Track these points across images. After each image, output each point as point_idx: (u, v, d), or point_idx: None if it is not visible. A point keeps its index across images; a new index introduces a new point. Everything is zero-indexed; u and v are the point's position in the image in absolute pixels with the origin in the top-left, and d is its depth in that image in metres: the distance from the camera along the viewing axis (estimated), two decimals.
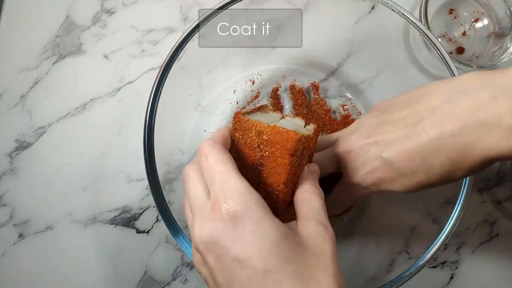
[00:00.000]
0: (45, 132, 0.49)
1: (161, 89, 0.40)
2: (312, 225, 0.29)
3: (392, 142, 0.32)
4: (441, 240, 0.38)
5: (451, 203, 0.40)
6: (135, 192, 0.49)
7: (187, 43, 0.40)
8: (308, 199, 0.31)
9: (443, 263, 0.49)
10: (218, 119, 0.49)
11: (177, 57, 0.40)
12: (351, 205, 0.45)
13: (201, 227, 0.27)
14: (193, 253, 0.31)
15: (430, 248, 0.39)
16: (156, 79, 0.40)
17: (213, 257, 0.26)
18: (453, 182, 0.32)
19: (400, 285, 0.38)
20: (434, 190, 0.45)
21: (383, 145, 0.33)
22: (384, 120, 0.34)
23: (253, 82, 0.49)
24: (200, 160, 0.30)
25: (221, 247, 0.26)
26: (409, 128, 0.31)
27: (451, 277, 0.49)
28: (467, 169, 0.30)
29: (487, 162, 0.29)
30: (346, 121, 0.49)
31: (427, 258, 0.38)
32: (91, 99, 0.50)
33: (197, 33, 0.41)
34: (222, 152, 0.29)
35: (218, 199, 0.27)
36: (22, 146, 0.49)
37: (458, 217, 0.39)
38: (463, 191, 0.39)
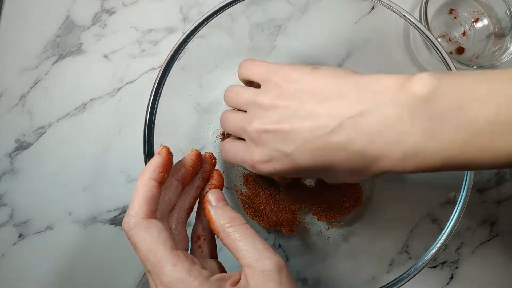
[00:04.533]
0: (45, 132, 0.49)
1: (161, 89, 0.40)
2: (257, 276, 0.28)
3: (298, 139, 0.31)
4: (441, 240, 0.38)
5: (451, 203, 0.40)
6: None
7: (187, 43, 0.40)
8: (235, 244, 0.29)
9: (443, 263, 0.49)
10: (218, 119, 0.48)
11: (177, 57, 0.40)
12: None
13: None
14: None
15: (430, 248, 0.39)
16: (156, 79, 0.40)
17: None
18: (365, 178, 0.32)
19: (400, 286, 0.38)
20: (434, 190, 0.45)
21: (288, 139, 0.31)
22: (280, 115, 0.32)
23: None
24: (130, 240, 0.28)
25: None
26: (316, 128, 0.30)
27: (451, 277, 0.49)
28: (369, 178, 0.31)
29: (390, 173, 0.30)
30: None
31: (427, 258, 0.38)
32: (91, 99, 0.50)
33: (197, 33, 0.41)
34: (148, 234, 0.28)
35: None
36: (22, 146, 0.49)
37: (458, 218, 0.39)
38: (463, 192, 0.39)
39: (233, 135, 0.39)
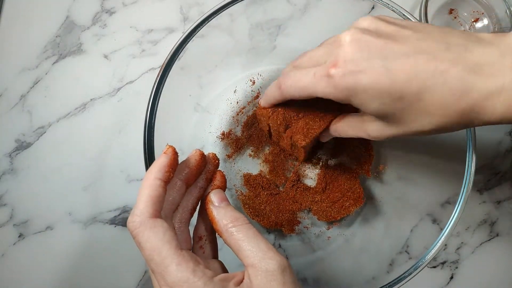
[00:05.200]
0: (45, 132, 0.49)
1: (161, 89, 0.40)
2: (260, 276, 0.28)
3: (400, 55, 0.28)
4: (441, 240, 0.38)
5: (451, 203, 0.40)
6: (135, 192, 0.48)
7: (187, 43, 0.40)
8: (238, 244, 0.29)
9: (443, 263, 0.49)
10: (218, 119, 0.49)
11: (177, 57, 0.40)
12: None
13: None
14: None
15: (430, 248, 0.39)
16: (156, 79, 0.40)
17: None
18: (422, 132, 0.30)
19: (400, 286, 0.38)
20: (434, 190, 0.45)
21: (390, 52, 0.28)
22: (395, 31, 0.30)
23: (254, 83, 0.49)
24: (135, 239, 0.28)
25: None
26: (421, 51, 0.28)
27: (451, 277, 0.49)
28: (448, 118, 0.29)
29: (471, 119, 0.28)
30: None
31: (427, 258, 0.38)
32: (91, 99, 0.50)
33: (197, 33, 0.41)
34: (153, 234, 0.28)
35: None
36: (22, 146, 0.49)
37: (458, 218, 0.38)
38: (463, 192, 0.39)
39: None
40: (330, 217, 0.46)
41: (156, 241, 0.27)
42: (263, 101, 0.38)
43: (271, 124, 0.39)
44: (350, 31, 0.30)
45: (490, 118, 0.27)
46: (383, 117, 0.30)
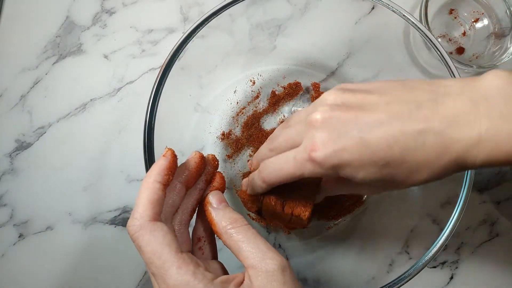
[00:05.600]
0: (45, 132, 0.49)
1: (162, 90, 0.40)
2: (261, 276, 0.28)
3: (375, 124, 0.29)
4: (441, 240, 0.38)
5: (451, 203, 0.40)
6: (135, 192, 0.48)
7: (187, 43, 0.40)
8: (238, 246, 0.29)
9: (443, 263, 0.49)
10: (219, 119, 0.49)
11: (177, 57, 0.40)
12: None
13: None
14: None
15: (431, 248, 0.39)
16: (156, 80, 0.40)
17: None
18: (413, 185, 0.31)
19: (400, 286, 0.38)
20: (434, 190, 0.45)
21: (363, 124, 0.29)
22: (362, 99, 0.30)
23: (254, 83, 0.49)
24: (135, 243, 0.28)
25: None
26: (394, 115, 0.29)
27: (451, 277, 0.49)
28: (436, 171, 0.29)
29: (458, 168, 0.29)
30: None
31: (427, 258, 0.38)
32: (91, 99, 0.50)
33: (197, 33, 0.41)
34: (153, 237, 0.28)
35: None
36: (22, 146, 0.49)
37: (458, 219, 0.38)
38: (463, 192, 0.39)
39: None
40: (330, 217, 0.46)
41: (156, 244, 0.27)
42: (250, 191, 0.38)
43: (264, 208, 0.38)
44: (319, 110, 0.30)
45: (474, 165, 0.28)
46: (373, 183, 0.31)
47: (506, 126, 0.27)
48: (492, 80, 0.28)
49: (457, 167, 0.29)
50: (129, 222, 0.28)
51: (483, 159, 0.28)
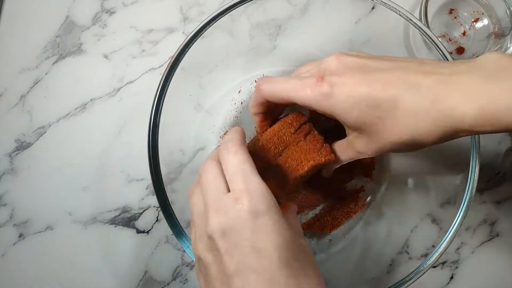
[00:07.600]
0: (45, 132, 0.49)
1: (164, 95, 0.40)
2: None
3: (379, 70, 0.31)
4: (443, 245, 0.38)
5: (451, 203, 0.40)
6: (135, 192, 0.49)
7: (190, 47, 0.40)
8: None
9: (443, 263, 0.49)
10: (222, 120, 0.48)
11: (180, 61, 0.40)
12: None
13: (220, 216, 0.29)
14: (196, 239, 0.32)
15: (433, 253, 0.38)
16: (159, 85, 0.40)
17: (227, 243, 0.29)
18: (405, 143, 0.31)
19: None
20: (434, 190, 0.45)
21: (369, 68, 0.32)
22: (367, 57, 0.33)
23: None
24: (224, 155, 0.32)
25: (240, 235, 0.29)
26: (395, 66, 0.31)
27: (451, 277, 0.49)
28: (427, 124, 0.30)
29: (446, 127, 0.29)
30: None
31: (429, 262, 0.38)
32: (91, 99, 0.50)
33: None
34: (247, 152, 0.32)
35: (242, 195, 0.29)
36: (22, 146, 0.49)
37: (460, 223, 0.38)
38: (466, 195, 0.39)
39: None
40: (331, 227, 0.47)
41: (248, 158, 0.31)
42: (250, 104, 0.39)
43: (262, 141, 0.36)
44: (334, 54, 0.33)
45: (463, 125, 0.29)
46: (364, 129, 0.32)
47: (493, 86, 0.28)
48: (487, 55, 0.30)
49: (444, 128, 0.29)
50: (226, 140, 0.33)
51: (472, 116, 0.28)
